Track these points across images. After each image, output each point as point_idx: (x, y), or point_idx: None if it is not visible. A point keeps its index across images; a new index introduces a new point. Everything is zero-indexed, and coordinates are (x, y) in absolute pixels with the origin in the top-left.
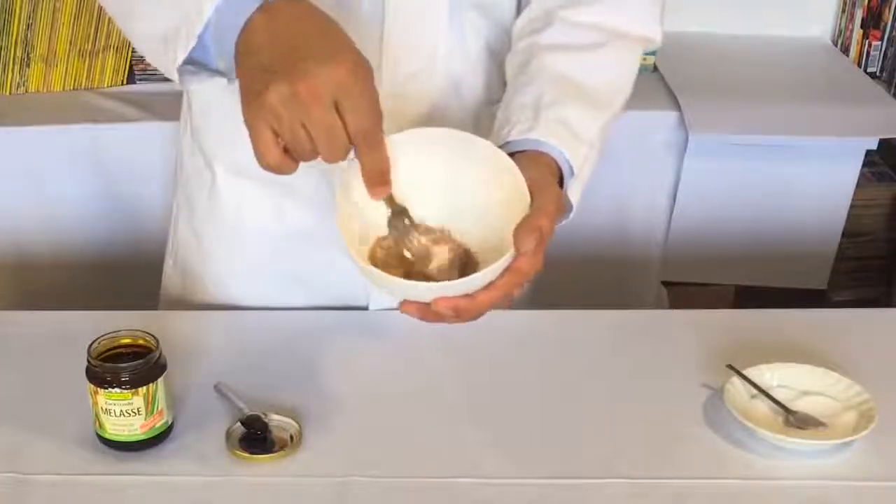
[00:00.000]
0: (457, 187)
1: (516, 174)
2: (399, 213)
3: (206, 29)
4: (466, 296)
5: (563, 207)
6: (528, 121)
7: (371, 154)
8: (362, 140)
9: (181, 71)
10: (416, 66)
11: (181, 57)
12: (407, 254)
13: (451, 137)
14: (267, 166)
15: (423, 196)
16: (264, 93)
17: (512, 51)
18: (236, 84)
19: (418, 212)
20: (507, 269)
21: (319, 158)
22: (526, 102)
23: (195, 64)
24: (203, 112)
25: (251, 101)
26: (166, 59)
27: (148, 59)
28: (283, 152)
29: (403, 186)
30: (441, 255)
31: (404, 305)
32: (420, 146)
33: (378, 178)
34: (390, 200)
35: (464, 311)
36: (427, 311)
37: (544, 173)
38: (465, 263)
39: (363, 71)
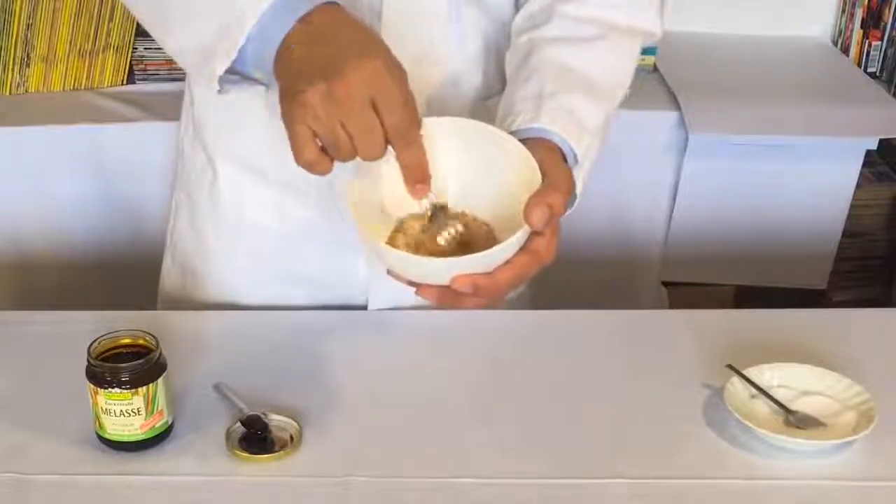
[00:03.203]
0: (469, 172)
1: (527, 156)
2: (437, 209)
3: (247, 41)
4: (485, 274)
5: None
6: (530, 111)
7: (408, 151)
8: (398, 137)
9: (222, 81)
10: (412, 63)
11: (221, 69)
12: (441, 241)
13: (459, 124)
14: (304, 164)
15: (439, 183)
16: (304, 94)
17: (511, 46)
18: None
19: (435, 200)
20: (522, 249)
21: (358, 158)
22: (528, 94)
23: (233, 72)
24: (205, 108)
25: (290, 101)
26: (206, 70)
27: (186, 70)
28: (320, 151)
29: None
30: (453, 238)
31: (421, 289)
32: (428, 135)
33: (417, 175)
34: (429, 198)
35: (483, 289)
36: (444, 294)
37: (551, 155)
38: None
39: (396, 71)
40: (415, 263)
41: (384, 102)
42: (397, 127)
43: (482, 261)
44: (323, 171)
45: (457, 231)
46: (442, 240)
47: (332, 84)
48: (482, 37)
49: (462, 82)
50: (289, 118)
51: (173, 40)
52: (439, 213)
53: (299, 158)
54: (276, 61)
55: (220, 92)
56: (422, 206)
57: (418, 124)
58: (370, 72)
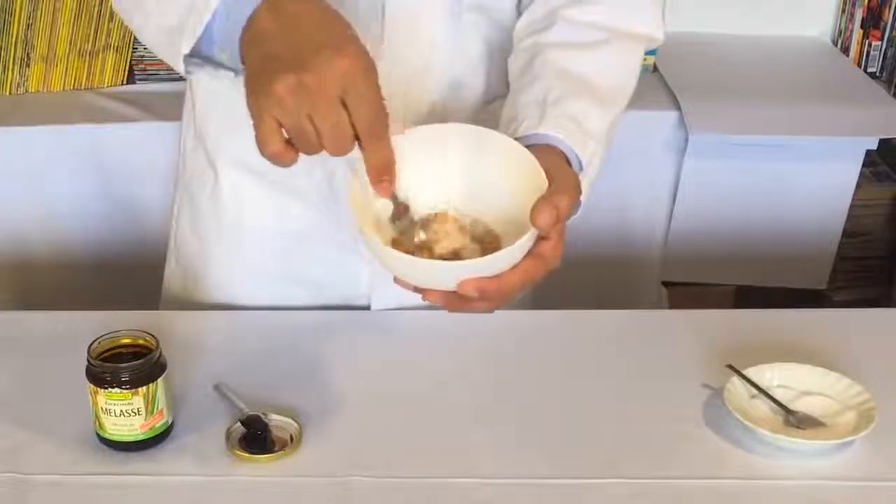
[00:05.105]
0: (476, 178)
1: (533, 162)
2: (401, 209)
3: (213, 20)
4: (492, 278)
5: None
6: (535, 117)
7: (375, 149)
8: (367, 134)
9: (187, 63)
10: (415, 67)
11: (187, 48)
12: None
13: (463, 131)
14: (269, 155)
15: (444, 190)
16: (272, 83)
17: (514, 51)
18: (241, 80)
19: (439, 206)
20: (529, 253)
21: (323, 152)
22: (532, 99)
23: (201, 57)
24: (206, 110)
25: (257, 89)
26: (173, 50)
27: (155, 53)
28: (286, 143)
29: (422, 182)
30: (458, 243)
31: (427, 294)
32: (432, 141)
33: (382, 174)
34: (393, 197)
35: (489, 294)
36: (451, 298)
37: (557, 161)
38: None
39: (368, 65)
40: (421, 268)
41: (354, 98)
42: (366, 123)
43: (489, 265)
44: (288, 164)
45: (419, 239)
46: (397, 233)
47: (303, 77)
48: (484, 41)
49: (465, 87)
50: (256, 108)
51: (145, 24)
52: (403, 214)
53: (264, 149)
54: (243, 43)
55: (186, 74)
56: (384, 204)
57: (387, 121)
58: (342, 67)
